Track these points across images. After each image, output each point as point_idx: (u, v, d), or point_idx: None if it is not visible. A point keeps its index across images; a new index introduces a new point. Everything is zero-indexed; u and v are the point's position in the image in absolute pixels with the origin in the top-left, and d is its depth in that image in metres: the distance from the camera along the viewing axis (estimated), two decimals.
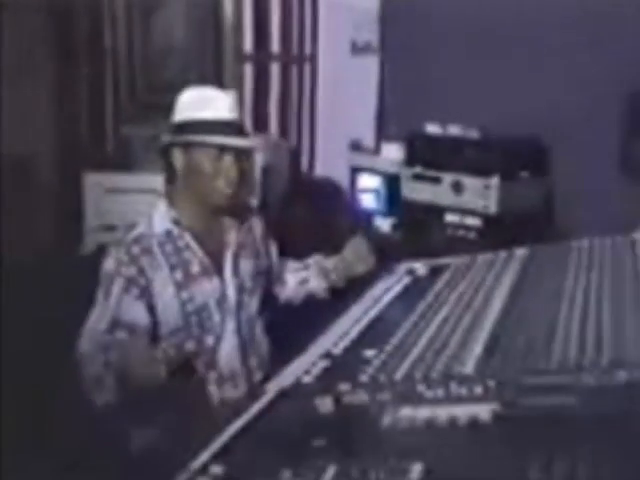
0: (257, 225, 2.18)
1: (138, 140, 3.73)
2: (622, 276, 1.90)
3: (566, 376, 1.36)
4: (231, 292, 2.01)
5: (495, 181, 2.90)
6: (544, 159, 3.12)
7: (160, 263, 1.90)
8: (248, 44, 4.04)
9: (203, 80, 3.85)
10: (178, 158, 1.94)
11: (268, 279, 2.18)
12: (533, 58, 3.09)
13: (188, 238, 1.95)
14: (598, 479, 0.99)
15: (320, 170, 4.15)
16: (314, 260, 2.25)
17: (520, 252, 2.28)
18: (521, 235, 2.59)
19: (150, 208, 2.00)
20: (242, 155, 1.93)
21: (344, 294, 2.16)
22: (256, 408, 1.46)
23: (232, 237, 2.04)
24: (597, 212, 2.77)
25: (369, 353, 1.66)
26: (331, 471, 1.11)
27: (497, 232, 2.86)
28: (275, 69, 4.11)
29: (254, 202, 2.35)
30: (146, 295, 1.87)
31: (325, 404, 1.42)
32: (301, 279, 2.23)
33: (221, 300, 1.98)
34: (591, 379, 1.32)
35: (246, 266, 2.06)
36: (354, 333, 1.84)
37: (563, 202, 3.11)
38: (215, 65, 3.97)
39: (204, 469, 1.17)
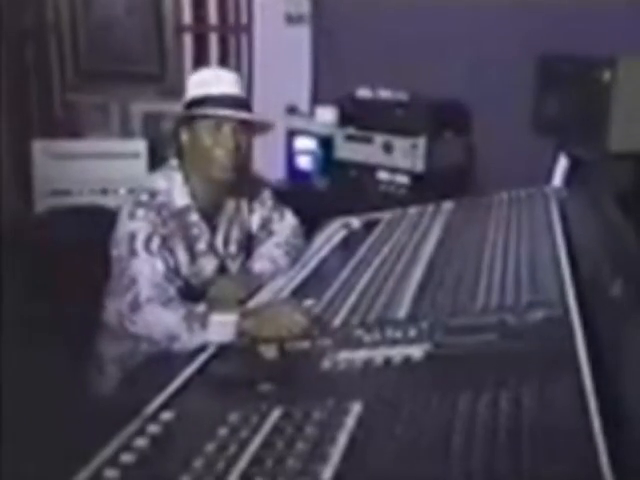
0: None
1: (83, 107, 3.61)
2: (537, 225, 1.93)
3: (489, 316, 1.37)
4: (227, 263, 1.95)
5: (422, 141, 2.89)
6: (466, 120, 3.13)
7: (178, 234, 1.84)
8: (187, 16, 3.91)
9: (144, 51, 3.74)
10: (184, 135, 1.87)
11: (250, 243, 2.09)
12: (455, 26, 3.07)
13: (199, 216, 1.88)
14: (520, 407, 1.00)
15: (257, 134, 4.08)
16: None
17: (446, 206, 2.29)
18: (446, 190, 2.60)
19: (135, 174, 1.89)
20: (241, 128, 1.85)
21: None
22: (204, 356, 1.43)
23: (227, 207, 1.96)
24: (513, 167, 2.79)
25: (308, 302, 1.64)
26: (276, 414, 1.09)
27: (424, 188, 2.87)
28: (213, 39, 3.99)
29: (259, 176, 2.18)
30: (173, 257, 1.81)
31: (269, 351, 1.41)
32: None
33: (216, 274, 1.93)
34: (512, 318, 1.33)
35: (234, 233, 1.99)
36: (293, 284, 1.83)
37: (483, 159, 3.13)
38: (156, 36, 3.83)
39: (155, 416, 1.14)
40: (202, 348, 1.48)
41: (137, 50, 3.75)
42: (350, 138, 3.12)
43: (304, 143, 3.39)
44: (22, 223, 3.02)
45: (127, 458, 1.01)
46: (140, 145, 3.29)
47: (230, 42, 4.01)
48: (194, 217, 1.87)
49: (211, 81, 1.86)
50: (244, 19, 3.99)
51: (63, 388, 1.59)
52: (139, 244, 1.74)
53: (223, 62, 3.93)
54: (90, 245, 2.05)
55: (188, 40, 3.88)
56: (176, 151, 1.90)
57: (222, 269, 1.96)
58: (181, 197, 1.86)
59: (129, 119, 3.66)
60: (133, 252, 1.74)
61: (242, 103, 1.86)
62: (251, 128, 1.87)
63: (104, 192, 3.18)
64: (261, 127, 1.93)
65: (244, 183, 1.96)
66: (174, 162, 1.89)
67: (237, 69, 4.01)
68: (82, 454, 1.01)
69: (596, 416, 0.94)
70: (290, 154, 3.44)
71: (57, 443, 1.17)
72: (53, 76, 3.68)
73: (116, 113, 3.68)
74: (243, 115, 1.83)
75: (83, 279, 2.24)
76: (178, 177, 1.87)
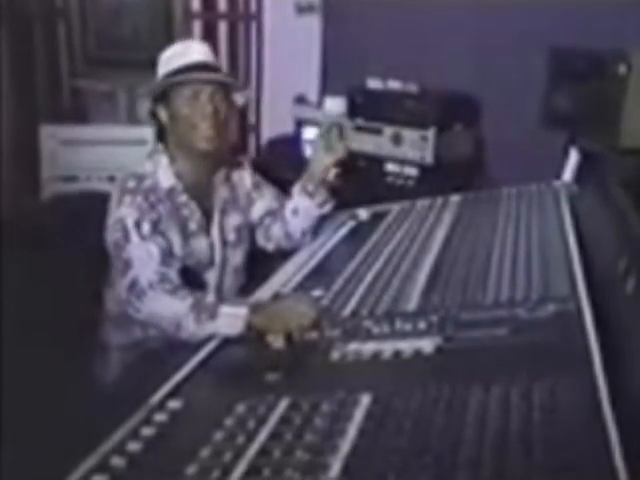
0: (246, 179, 2.05)
1: (91, 94, 3.60)
2: (547, 219, 1.91)
3: (500, 310, 1.36)
4: (217, 248, 1.93)
5: (431, 133, 2.87)
6: (476, 112, 3.11)
7: (169, 216, 1.83)
8: (196, 2, 3.89)
9: (153, 38, 3.72)
10: (162, 113, 1.86)
11: (252, 233, 2.07)
12: (466, 17, 3.04)
13: (187, 196, 1.86)
14: (531, 402, 0.99)
15: (266, 123, 4.06)
16: (295, 188, 2.10)
17: (454, 199, 2.27)
18: (455, 183, 2.58)
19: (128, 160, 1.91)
20: (217, 94, 1.83)
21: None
22: (212, 345, 1.42)
23: (220, 194, 1.94)
24: (522, 161, 2.78)
25: (316, 293, 1.63)
26: (283, 404, 1.08)
27: (433, 180, 2.85)
28: (223, 27, 3.97)
29: (243, 156, 2.18)
30: (165, 240, 1.80)
31: (277, 341, 1.40)
32: (291, 210, 2.09)
33: (211, 256, 1.91)
34: (523, 313, 1.32)
35: (230, 221, 1.97)
36: (301, 274, 1.82)
37: (492, 152, 3.11)
38: (165, 23, 3.81)
39: (162, 404, 1.13)
40: (209, 337, 1.48)
41: (145, 37, 3.73)
42: (359, 129, 3.10)
43: (313, 133, 3.38)
44: (28, 209, 3.01)
45: (134, 446, 1.00)
46: (147, 132, 3.27)
47: (239, 30, 3.99)
48: (182, 198, 1.87)
49: (180, 53, 1.86)
50: (253, 8, 3.98)
51: (69, 376, 1.59)
52: (130, 230, 1.75)
53: (232, 50, 3.91)
54: (97, 231, 2.04)
55: (197, 27, 3.86)
56: (157, 132, 1.90)
57: (221, 259, 1.94)
58: (166, 178, 1.85)
59: (136, 106, 3.65)
60: (126, 238, 1.74)
61: (213, 69, 1.86)
62: (228, 95, 1.86)
63: (111, 179, 3.16)
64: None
65: (229, 164, 1.96)
66: (160, 146, 1.89)
67: (246, 58, 4.00)
68: (89, 442, 1.00)
69: (609, 412, 0.93)
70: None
71: (63, 432, 1.16)
72: (61, 63, 3.67)
73: (124, 100, 3.67)
74: (211, 77, 1.83)
75: (89, 266, 2.23)
76: (163, 159, 1.87)
